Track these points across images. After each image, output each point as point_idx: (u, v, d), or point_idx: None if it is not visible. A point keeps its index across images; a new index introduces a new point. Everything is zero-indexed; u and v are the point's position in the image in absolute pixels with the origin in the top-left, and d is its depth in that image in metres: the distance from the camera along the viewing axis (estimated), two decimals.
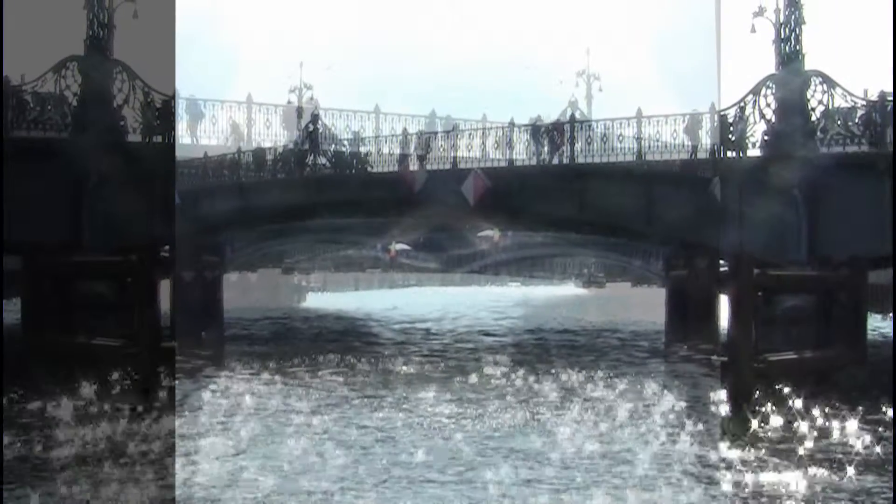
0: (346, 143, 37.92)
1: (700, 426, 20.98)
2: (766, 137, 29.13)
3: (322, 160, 36.87)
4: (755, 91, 29.28)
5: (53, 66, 29.02)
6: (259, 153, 36.95)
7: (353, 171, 36.53)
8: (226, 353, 32.76)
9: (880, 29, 35.03)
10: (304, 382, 26.98)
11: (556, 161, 33.33)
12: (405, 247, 71.73)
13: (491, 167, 34.29)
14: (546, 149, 33.76)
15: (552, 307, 63.20)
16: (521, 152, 34.33)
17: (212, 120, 38.88)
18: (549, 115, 36.18)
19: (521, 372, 28.66)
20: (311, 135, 36.71)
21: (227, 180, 36.33)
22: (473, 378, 27.64)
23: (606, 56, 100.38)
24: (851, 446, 18.95)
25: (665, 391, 25.79)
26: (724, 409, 23.41)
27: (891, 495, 15.92)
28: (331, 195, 35.32)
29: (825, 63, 29.23)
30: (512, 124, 35.51)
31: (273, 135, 39.52)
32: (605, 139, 33.16)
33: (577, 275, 76.27)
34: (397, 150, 36.22)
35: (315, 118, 37.72)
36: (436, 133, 37.66)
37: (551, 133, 33.85)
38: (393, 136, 38.36)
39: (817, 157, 28.19)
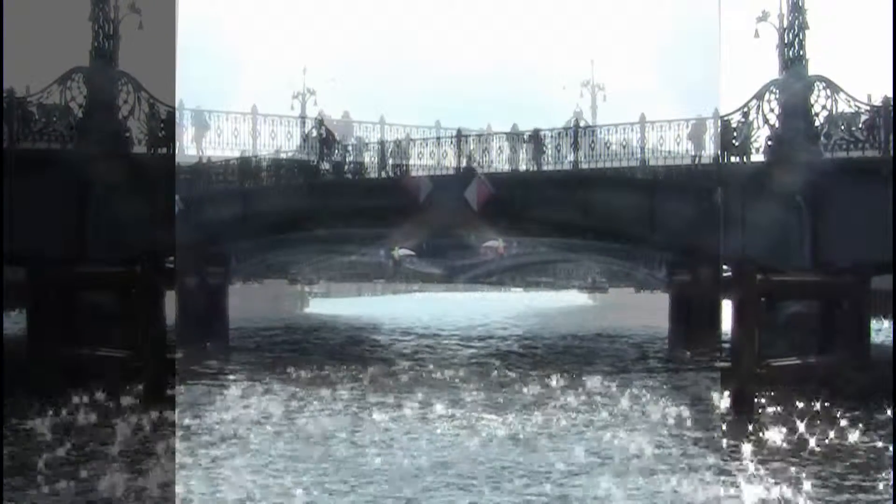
0: (350, 149, 38.01)
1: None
2: (769, 142, 29.19)
3: (326, 166, 36.94)
4: (758, 96, 29.33)
5: (59, 78, 29.15)
6: (245, 162, 36.89)
7: (357, 177, 36.65)
8: (231, 365, 32.53)
9: (884, 34, 34.99)
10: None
11: (535, 168, 33.97)
12: (409, 252, 71.67)
13: (494, 173, 34.50)
14: (528, 156, 34.40)
15: (559, 314, 63.26)
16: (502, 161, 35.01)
17: (217, 131, 38.93)
18: (554, 124, 36.39)
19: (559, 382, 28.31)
20: (315, 140, 36.76)
21: (230, 186, 36.32)
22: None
23: (610, 65, 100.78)
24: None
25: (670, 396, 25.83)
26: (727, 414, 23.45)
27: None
28: (334, 201, 35.36)
29: (829, 68, 29.34)
30: (516, 133, 35.79)
31: (277, 144, 39.57)
32: (608, 145, 33.36)
33: (580, 281, 76.18)
34: (401, 160, 36.43)
35: (320, 124, 37.79)
36: (437, 139, 37.87)
37: (530, 141, 34.45)
38: (397, 142, 38.50)
39: (821, 162, 28.25)
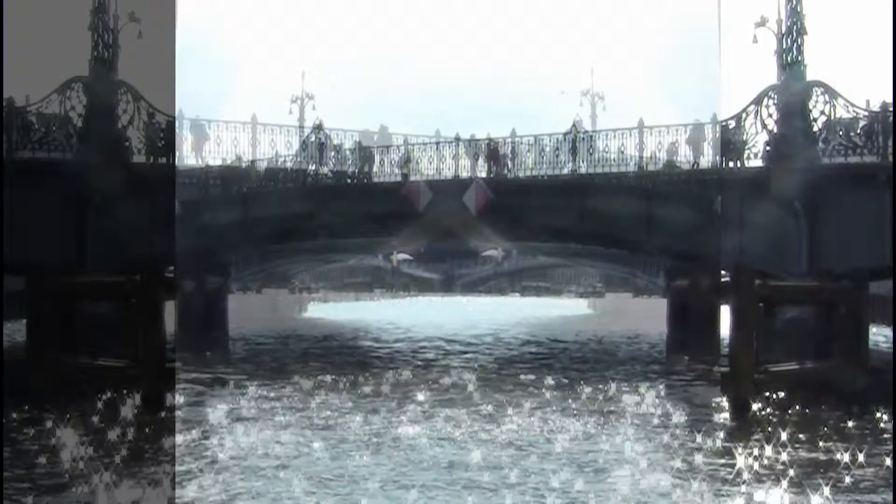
0: (348, 152, 38.04)
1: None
2: (767, 148, 29.26)
3: (325, 170, 36.97)
4: (757, 101, 29.42)
5: (58, 87, 29.19)
6: (228, 171, 36.77)
7: (357, 182, 36.71)
8: (231, 375, 32.28)
9: (882, 39, 35.12)
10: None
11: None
12: (407, 257, 71.81)
13: (492, 178, 34.60)
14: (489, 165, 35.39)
15: (554, 320, 63.26)
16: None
17: (216, 140, 38.94)
18: (553, 131, 36.59)
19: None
20: (314, 147, 36.78)
21: (228, 191, 36.22)
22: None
23: (609, 73, 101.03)
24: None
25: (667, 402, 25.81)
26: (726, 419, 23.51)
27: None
28: (333, 206, 35.30)
29: (827, 73, 29.47)
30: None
31: (276, 152, 39.59)
32: (606, 151, 33.45)
33: (577, 287, 76.38)
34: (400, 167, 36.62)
35: (318, 128, 37.80)
36: (436, 144, 38.05)
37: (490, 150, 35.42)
38: (396, 146, 38.62)
39: (819, 167, 28.32)
